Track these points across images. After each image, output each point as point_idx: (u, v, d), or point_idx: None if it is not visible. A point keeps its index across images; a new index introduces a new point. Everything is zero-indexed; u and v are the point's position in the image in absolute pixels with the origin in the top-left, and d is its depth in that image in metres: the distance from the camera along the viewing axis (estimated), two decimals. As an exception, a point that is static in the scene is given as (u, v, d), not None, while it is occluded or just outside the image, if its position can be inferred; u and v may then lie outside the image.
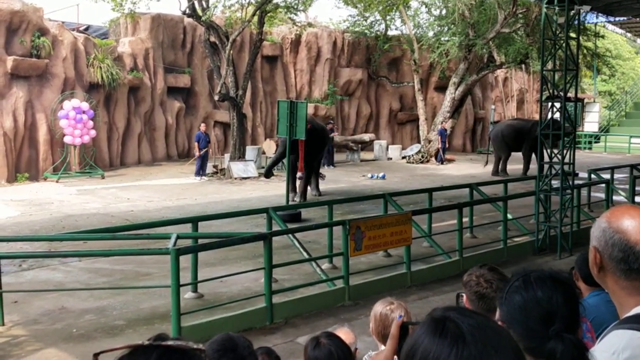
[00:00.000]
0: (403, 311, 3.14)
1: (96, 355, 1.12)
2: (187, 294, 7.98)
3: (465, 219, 10.73)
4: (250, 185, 19.15)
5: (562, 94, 11.12)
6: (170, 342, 1.13)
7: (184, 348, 1.13)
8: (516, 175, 19.36)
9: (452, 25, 26.48)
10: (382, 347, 3.18)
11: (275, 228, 9.30)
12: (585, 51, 27.08)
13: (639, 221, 1.70)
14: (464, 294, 2.79)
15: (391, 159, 26.97)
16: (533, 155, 21.23)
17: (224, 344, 2.28)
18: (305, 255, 8.50)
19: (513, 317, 1.64)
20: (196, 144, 20.56)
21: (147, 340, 1.14)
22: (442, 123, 25.98)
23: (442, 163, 25.47)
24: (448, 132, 26.50)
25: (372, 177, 20.85)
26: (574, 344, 1.55)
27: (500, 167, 21.96)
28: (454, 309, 1.17)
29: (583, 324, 2.40)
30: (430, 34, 28.85)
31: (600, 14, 19.17)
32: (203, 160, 20.43)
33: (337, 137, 25.36)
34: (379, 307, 3.18)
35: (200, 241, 8.32)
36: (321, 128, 17.07)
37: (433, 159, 26.00)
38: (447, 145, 26.44)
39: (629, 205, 1.85)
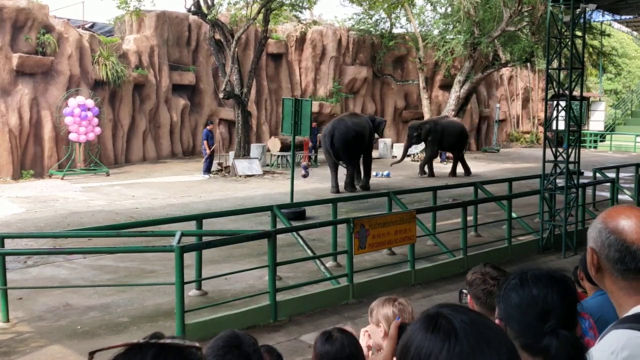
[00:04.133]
0: (397, 307, 3.13)
1: (92, 353, 1.13)
2: (191, 292, 8.00)
3: (469, 218, 10.72)
4: (254, 182, 19.17)
5: (567, 92, 11.10)
6: (166, 340, 1.13)
7: (179, 346, 1.13)
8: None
9: (457, 24, 26.43)
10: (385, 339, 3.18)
11: (280, 226, 9.32)
12: (590, 49, 27.03)
13: (634, 221, 1.70)
14: (467, 293, 2.79)
15: (396, 157, 26.94)
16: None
17: (230, 340, 2.28)
18: (310, 253, 8.50)
19: (510, 314, 1.65)
20: (205, 142, 20.52)
21: (143, 338, 1.14)
22: None
23: (444, 162, 25.22)
24: None
25: (376, 175, 20.84)
26: (570, 340, 1.57)
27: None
28: (448, 305, 1.18)
29: (585, 321, 2.40)
30: (436, 32, 28.81)
31: (606, 12, 19.14)
32: (211, 158, 20.48)
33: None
34: (385, 310, 3.17)
35: (204, 239, 8.33)
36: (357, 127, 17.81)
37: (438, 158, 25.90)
38: None
39: (625, 205, 1.85)
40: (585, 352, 1.57)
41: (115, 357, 1.12)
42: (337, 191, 17.28)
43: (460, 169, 21.97)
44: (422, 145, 27.44)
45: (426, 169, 21.57)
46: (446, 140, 21.56)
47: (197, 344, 1.16)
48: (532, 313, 1.62)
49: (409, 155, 27.03)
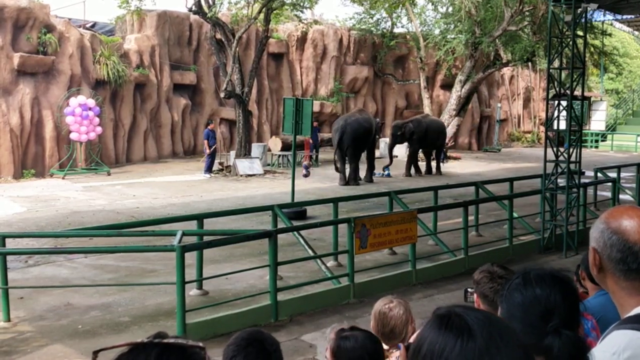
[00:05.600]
0: (402, 309, 3.12)
1: (96, 352, 1.13)
2: (192, 291, 8.00)
3: (470, 217, 10.71)
4: (255, 182, 19.17)
5: (568, 92, 11.09)
6: (170, 340, 1.13)
7: (183, 345, 1.13)
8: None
9: (459, 23, 26.41)
10: (385, 347, 3.18)
11: (281, 225, 9.31)
12: (592, 49, 26.99)
13: (637, 221, 1.70)
14: (474, 292, 2.79)
15: (397, 156, 26.90)
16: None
17: (254, 334, 2.36)
18: (311, 253, 8.50)
19: (513, 314, 1.65)
20: (205, 141, 20.58)
21: (147, 338, 1.14)
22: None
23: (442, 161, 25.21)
24: (448, 130, 26.09)
25: (378, 174, 20.85)
26: (572, 340, 1.56)
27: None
28: (458, 306, 1.17)
29: (588, 321, 2.39)
30: (437, 31, 28.80)
31: (607, 12, 19.11)
32: (212, 157, 20.49)
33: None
34: (379, 305, 3.17)
35: (205, 238, 8.32)
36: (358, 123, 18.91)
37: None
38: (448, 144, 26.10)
39: (627, 205, 1.85)
40: (587, 352, 1.57)
41: (119, 357, 1.12)
42: (346, 183, 18.56)
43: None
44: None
45: (412, 168, 21.79)
46: (429, 139, 21.69)
47: (200, 344, 1.16)
48: (534, 313, 1.62)
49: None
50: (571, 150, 11.05)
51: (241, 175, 20.03)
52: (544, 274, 1.70)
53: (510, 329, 1.14)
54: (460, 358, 1.07)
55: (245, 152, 21.91)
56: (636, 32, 39.29)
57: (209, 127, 21.07)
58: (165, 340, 1.13)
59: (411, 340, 1.25)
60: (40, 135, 20.01)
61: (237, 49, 21.68)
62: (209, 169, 20.33)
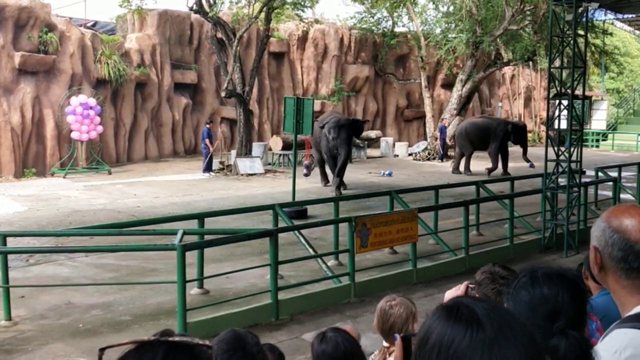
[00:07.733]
0: (403, 308, 3.14)
1: (102, 350, 1.12)
2: (193, 290, 8.00)
3: (471, 217, 10.71)
4: (256, 181, 19.16)
5: (569, 91, 11.09)
6: (176, 338, 1.13)
7: (190, 344, 1.13)
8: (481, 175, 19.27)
9: (460, 22, 26.38)
10: (385, 344, 3.19)
11: (281, 224, 9.31)
12: (593, 48, 26.97)
13: (638, 220, 1.70)
14: (474, 288, 2.78)
15: (397, 156, 26.94)
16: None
17: (233, 342, 2.24)
18: (311, 252, 8.50)
19: (519, 313, 1.63)
20: (207, 140, 20.50)
21: (153, 335, 1.14)
22: (442, 120, 25.98)
23: (442, 160, 25.29)
24: (449, 129, 26.13)
25: (379, 174, 20.85)
26: (578, 341, 1.56)
27: (464, 165, 21.97)
28: (465, 297, 1.17)
29: (594, 322, 2.39)
30: (438, 30, 28.76)
31: (608, 11, 19.08)
32: (211, 156, 20.48)
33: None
34: (382, 302, 3.21)
35: (206, 237, 8.33)
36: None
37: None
38: (448, 142, 26.14)
39: (628, 204, 1.85)
40: (592, 354, 1.56)
41: (126, 354, 1.12)
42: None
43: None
44: (423, 144, 27.52)
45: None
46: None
47: (207, 343, 1.15)
48: (542, 312, 1.61)
49: (410, 154, 27.06)
50: (572, 149, 11.05)
51: (242, 175, 20.03)
52: (551, 273, 1.69)
53: (518, 319, 1.13)
54: (469, 349, 1.06)
55: (246, 152, 21.91)
56: (637, 32, 39.24)
57: (208, 126, 21.04)
58: (172, 339, 1.13)
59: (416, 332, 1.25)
60: (41, 134, 20.02)
61: (238, 48, 21.67)
62: (208, 168, 20.32)
